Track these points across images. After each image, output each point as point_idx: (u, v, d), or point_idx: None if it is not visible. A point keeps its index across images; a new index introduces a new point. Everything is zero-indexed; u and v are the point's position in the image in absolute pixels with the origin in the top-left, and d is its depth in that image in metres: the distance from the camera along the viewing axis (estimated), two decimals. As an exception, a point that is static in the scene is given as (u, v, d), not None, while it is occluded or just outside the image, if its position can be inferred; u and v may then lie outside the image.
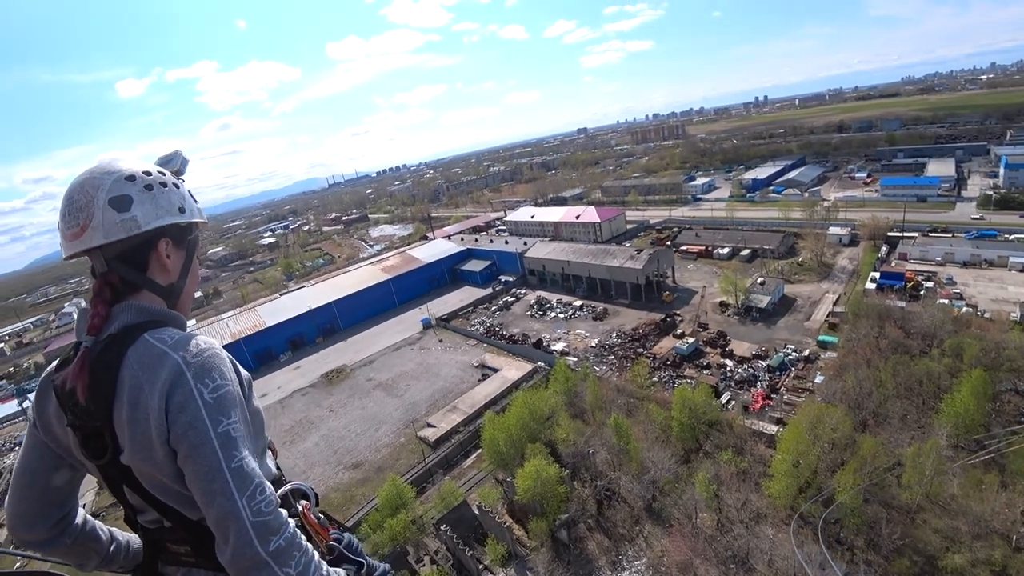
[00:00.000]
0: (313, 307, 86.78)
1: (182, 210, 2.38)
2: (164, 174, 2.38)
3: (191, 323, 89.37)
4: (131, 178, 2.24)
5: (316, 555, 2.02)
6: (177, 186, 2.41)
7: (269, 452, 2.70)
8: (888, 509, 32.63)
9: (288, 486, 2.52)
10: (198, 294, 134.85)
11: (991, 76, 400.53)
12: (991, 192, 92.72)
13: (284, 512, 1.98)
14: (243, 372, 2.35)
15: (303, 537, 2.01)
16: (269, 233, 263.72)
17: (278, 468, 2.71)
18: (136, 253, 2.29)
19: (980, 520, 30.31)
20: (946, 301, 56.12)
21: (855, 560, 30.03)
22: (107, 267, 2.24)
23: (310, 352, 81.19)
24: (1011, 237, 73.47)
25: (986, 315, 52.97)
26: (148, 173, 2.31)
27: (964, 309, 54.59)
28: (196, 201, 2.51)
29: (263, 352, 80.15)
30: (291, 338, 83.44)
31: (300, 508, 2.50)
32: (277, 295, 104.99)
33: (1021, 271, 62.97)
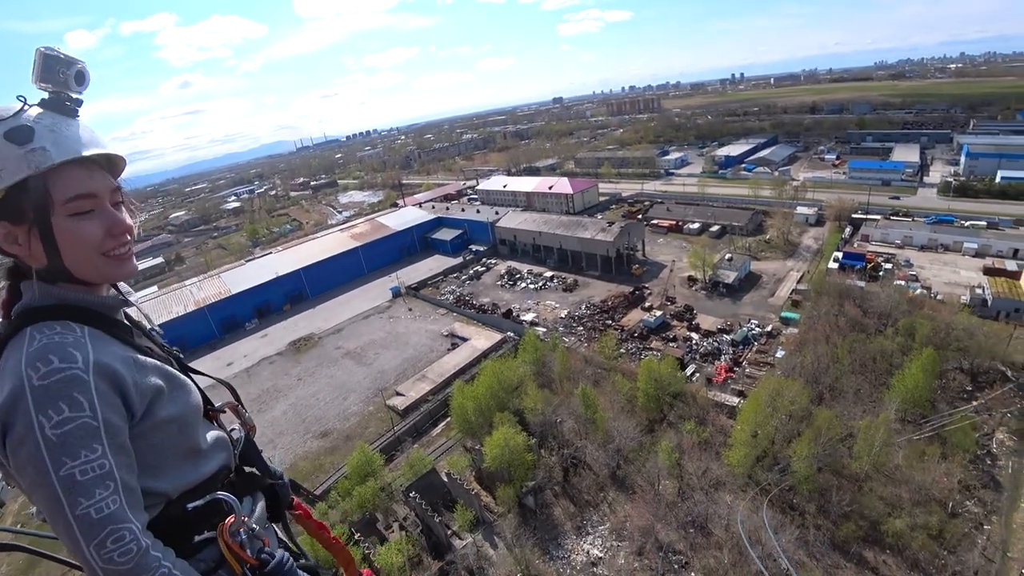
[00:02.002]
0: (280, 274, 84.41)
1: None
2: None
3: (150, 290, 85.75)
4: None
5: None
6: None
7: (222, 438, 2.34)
8: (838, 477, 34.38)
9: (200, 501, 2.05)
10: (157, 260, 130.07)
11: (960, 66, 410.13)
12: (951, 179, 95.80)
13: (156, 555, 1.67)
14: (149, 381, 1.91)
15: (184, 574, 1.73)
16: (234, 197, 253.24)
17: (228, 458, 2.33)
18: None
19: (921, 488, 32.33)
20: (902, 283, 58.26)
21: (806, 524, 31.64)
22: None
23: (277, 320, 79.46)
24: (966, 223, 76.31)
25: (938, 297, 55.25)
26: None
27: (919, 291, 56.92)
28: (30, 142, 1.75)
29: (229, 320, 77.95)
30: (258, 306, 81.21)
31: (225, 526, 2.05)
32: (243, 262, 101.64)
33: (974, 256, 65.62)
